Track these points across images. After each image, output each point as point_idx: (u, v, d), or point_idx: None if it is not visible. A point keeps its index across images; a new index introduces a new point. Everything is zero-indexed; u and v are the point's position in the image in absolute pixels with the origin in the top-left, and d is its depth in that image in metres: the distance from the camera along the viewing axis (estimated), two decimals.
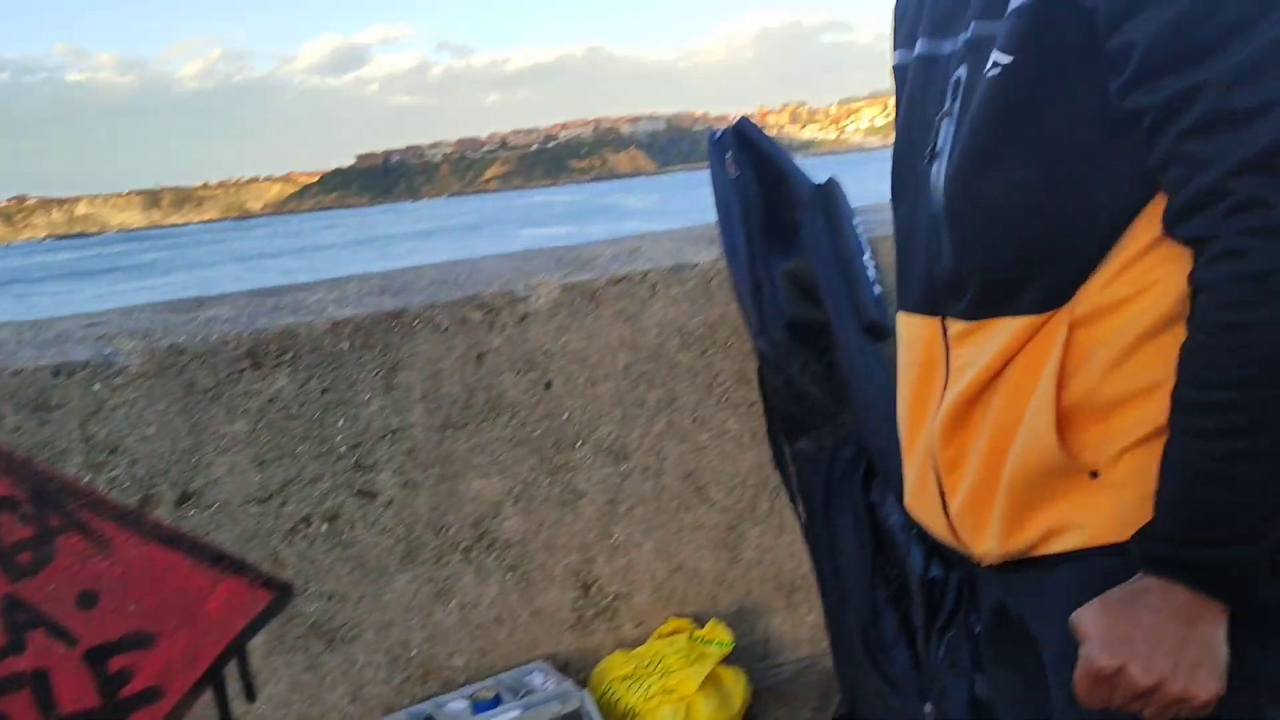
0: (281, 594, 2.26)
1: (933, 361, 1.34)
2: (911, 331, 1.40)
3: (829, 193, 2.79)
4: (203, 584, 2.18)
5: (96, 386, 2.13)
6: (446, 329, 2.46)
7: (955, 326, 1.30)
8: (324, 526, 2.33)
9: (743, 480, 2.78)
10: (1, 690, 1.99)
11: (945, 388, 1.31)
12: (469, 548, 2.48)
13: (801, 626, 2.85)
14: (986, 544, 1.28)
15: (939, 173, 1.27)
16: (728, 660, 2.57)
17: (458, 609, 2.47)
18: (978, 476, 1.27)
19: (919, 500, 1.40)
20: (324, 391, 2.33)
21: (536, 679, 2.44)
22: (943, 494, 1.33)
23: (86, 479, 2.10)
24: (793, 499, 2.71)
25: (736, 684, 2.54)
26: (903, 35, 1.44)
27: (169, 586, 2.15)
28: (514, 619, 2.53)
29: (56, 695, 2.04)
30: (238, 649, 2.22)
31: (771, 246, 2.76)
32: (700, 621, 2.66)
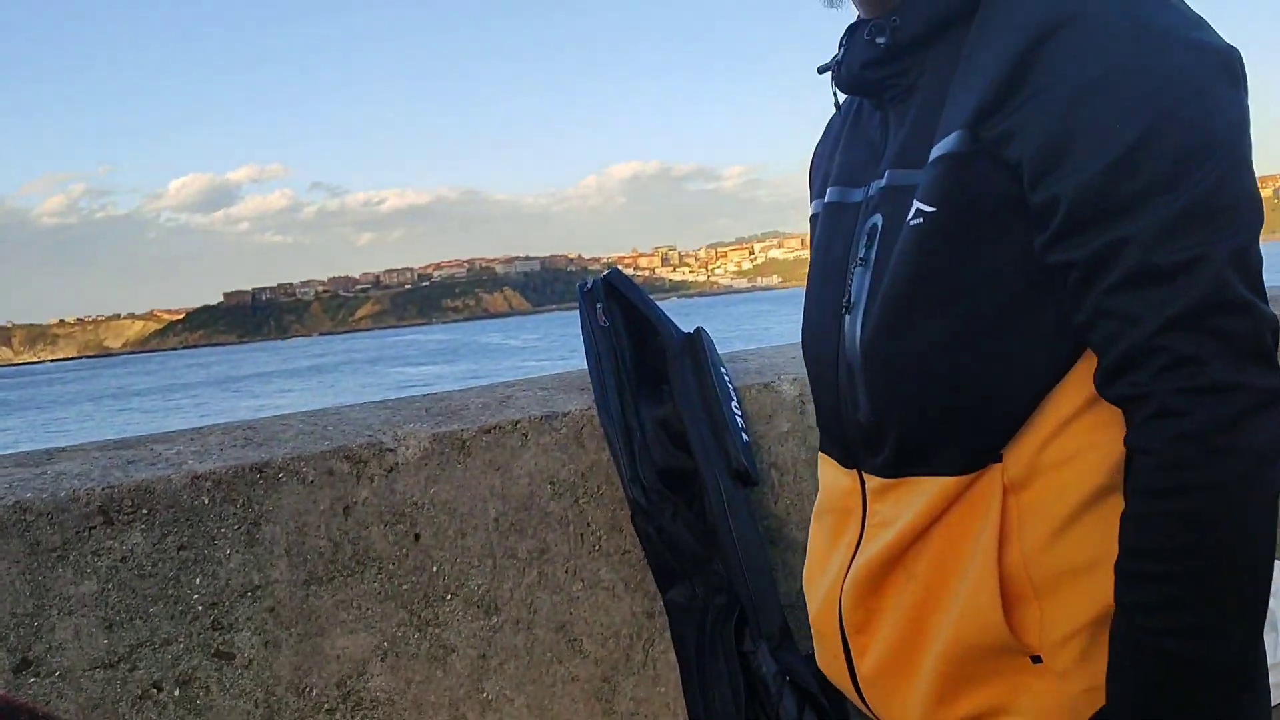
0: None
1: (847, 512, 1.28)
2: (829, 476, 1.34)
3: (696, 341, 2.87)
4: None
5: None
6: (313, 481, 2.41)
7: (873, 481, 1.24)
8: (176, 692, 2.21)
9: (616, 631, 2.76)
10: None
11: (859, 544, 1.25)
12: (332, 709, 2.38)
13: None
14: (905, 715, 1.19)
15: (854, 325, 1.22)
16: None
17: None
18: (895, 643, 1.18)
19: (822, 655, 1.34)
20: (180, 549, 2.25)
21: None
22: (848, 653, 1.26)
23: None
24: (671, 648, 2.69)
25: None
26: (816, 186, 1.43)
27: None
28: None
29: None
30: None
31: (642, 394, 2.81)
32: None
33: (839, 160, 1.36)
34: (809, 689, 2.40)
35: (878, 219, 1.21)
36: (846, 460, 1.28)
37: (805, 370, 3.02)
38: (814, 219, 1.41)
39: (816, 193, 1.42)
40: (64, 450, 2.45)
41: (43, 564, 2.12)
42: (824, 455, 1.37)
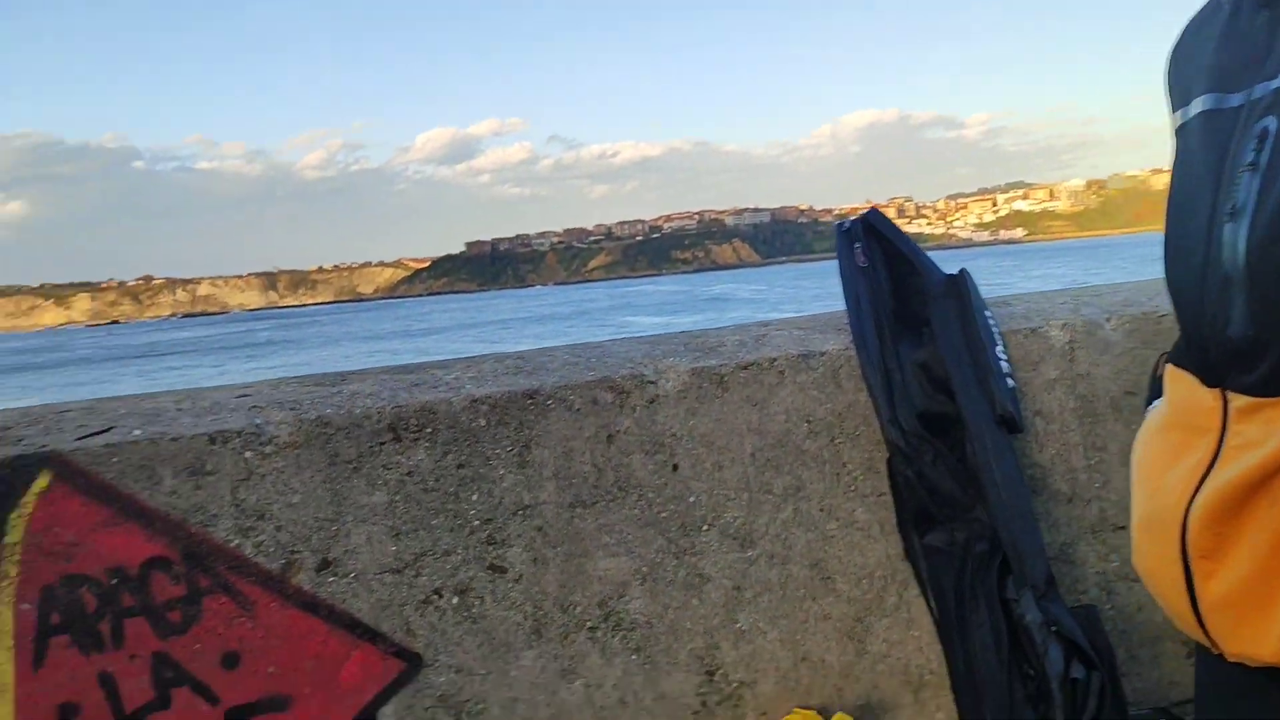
0: (412, 665, 2.29)
1: (1200, 431, 1.23)
2: (1181, 392, 1.29)
3: (960, 284, 2.78)
4: (338, 650, 2.22)
5: (248, 454, 2.22)
6: (579, 409, 2.50)
7: (1239, 400, 1.18)
8: (455, 599, 2.36)
9: (870, 572, 2.73)
10: None
11: (1213, 464, 1.20)
12: (595, 627, 2.48)
13: None
14: (1258, 645, 1.16)
15: (1238, 232, 1.17)
16: None
17: (582, 688, 2.46)
18: (1253, 572, 1.14)
19: (1155, 578, 1.29)
20: (460, 466, 2.38)
21: None
22: (1189, 577, 1.22)
23: (235, 543, 2.17)
24: (924, 593, 2.65)
25: None
26: (1179, 95, 1.38)
27: (307, 652, 2.19)
28: (638, 702, 2.51)
29: None
30: (368, 717, 2.24)
31: (901, 337, 2.76)
32: (825, 715, 2.60)
33: (1211, 64, 1.30)
34: (1076, 641, 2.31)
35: (1269, 122, 1.16)
36: (1208, 378, 1.23)
37: (1074, 316, 2.88)
38: (1181, 129, 1.35)
39: (1180, 101, 1.36)
40: (355, 373, 2.64)
41: (340, 474, 2.30)
42: (1177, 370, 1.32)
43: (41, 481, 2.01)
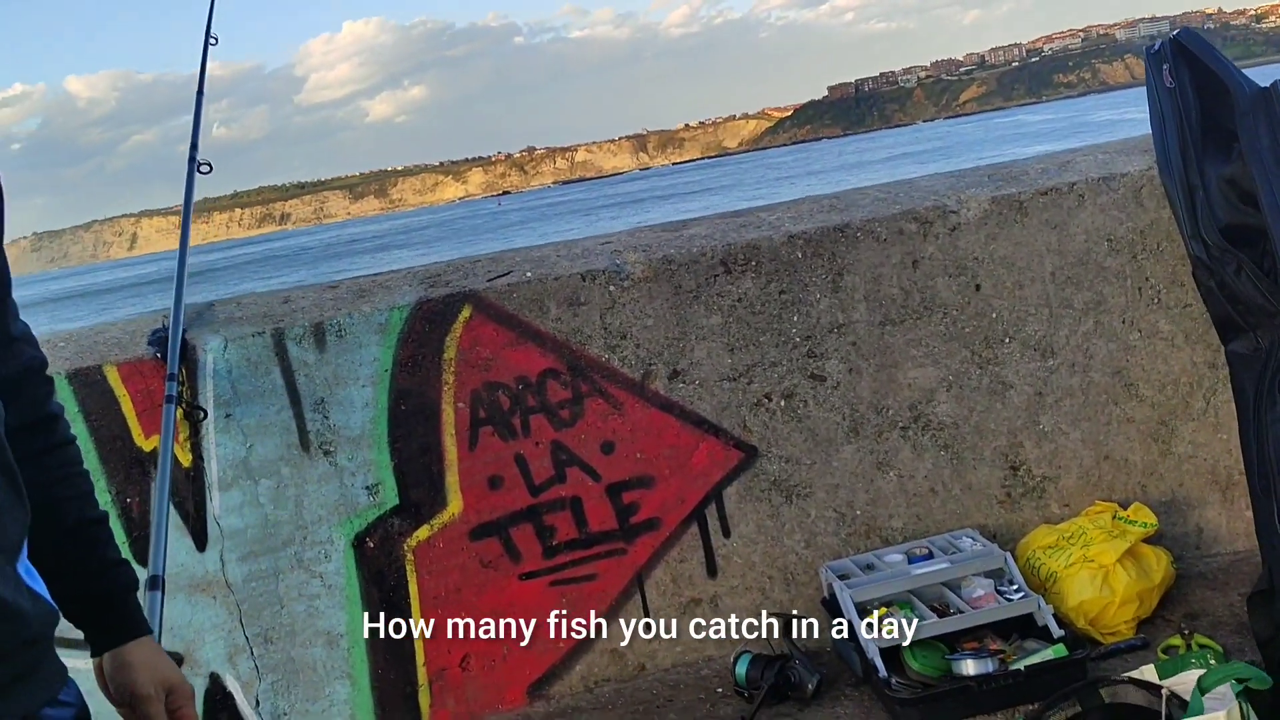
0: (749, 454, 2.80)
1: None
2: None
3: (1270, 96, 2.80)
4: (689, 442, 2.77)
5: (611, 288, 2.77)
6: (885, 239, 2.84)
7: None
8: (782, 402, 2.83)
9: (1175, 379, 2.91)
10: (551, 509, 2.71)
11: None
12: (906, 427, 2.87)
13: (1238, 521, 2.93)
14: None
15: None
16: (1152, 542, 2.75)
17: (896, 478, 2.88)
18: None
19: None
20: (781, 293, 2.82)
21: (965, 543, 2.78)
22: None
23: (605, 357, 2.75)
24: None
25: (1158, 561, 2.71)
26: None
27: (665, 442, 2.76)
28: (946, 491, 2.89)
29: (587, 516, 2.73)
30: (716, 495, 2.79)
31: (1207, 154, 2.83)
32: (1124, 508, 2.85)
33: None
34: None
35: None
36: None
37: None
38: None
39: None
40: (693, 220, 3.13)
41: (683, 302, 2.80)
42: None
43: (465, 313, 2.67)
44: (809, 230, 2.84)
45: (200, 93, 2.92)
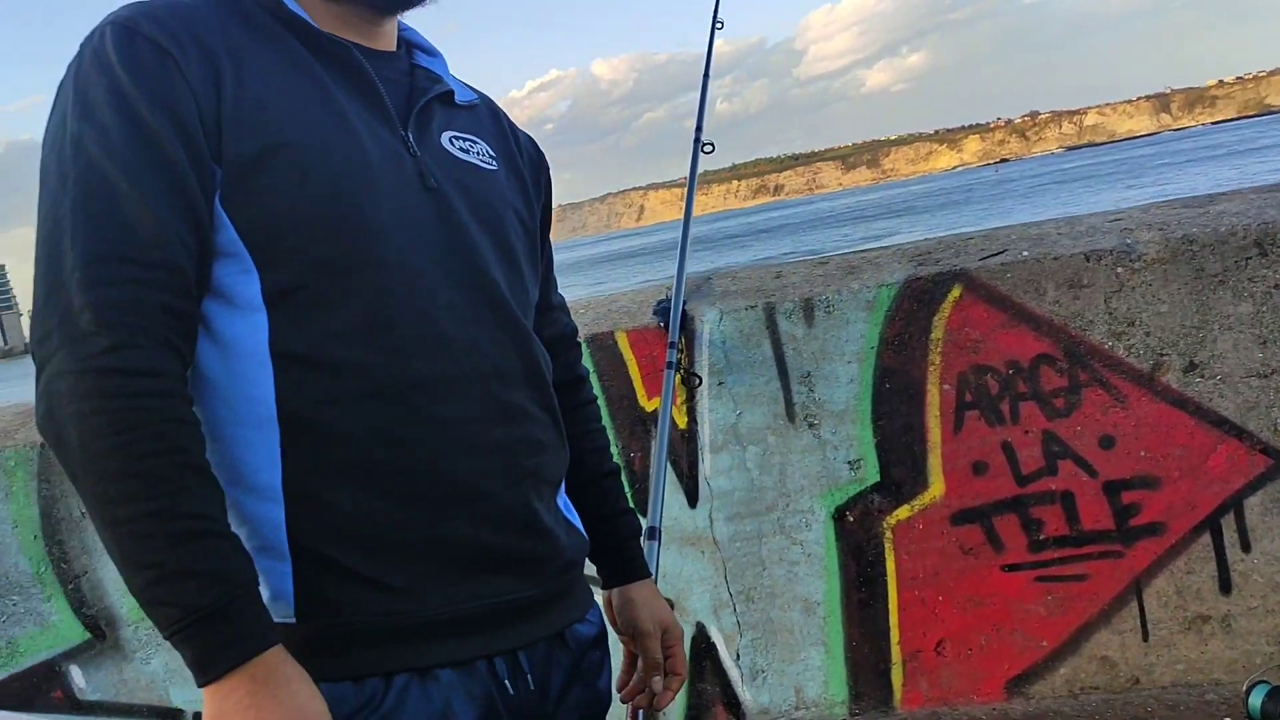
0: (1277, 462, 2.46)
1: None
2: None
3: None
4: (1204, 443, 2.49)
5: (1119, 270, 2.56)
6: None
7: None
8: None
9: None
10: (1039, 501, 2.57)
11: None
12: None
13: None
14: None
15: None
16: None
17: None
18: None
19: None
20: None
21: None
22: None
23: (1109, 345, 2.55)
24: None
25: None
26: None
27: (1175, 441, 2.51)
28: None
29: (1080, 513, 2.56)
30: (1235, 504, 2.49)
31: None
32: None
33: None
34: None
35: None
36: None
37: None
38: None
39: None
40: (1224, 194, 2.80)
41: (1206, 287, 2.52)
42: None
43: (955, 292, 2.59)
44: None
45: (706, 76, 3.08)
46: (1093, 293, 2.56)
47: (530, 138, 1.47)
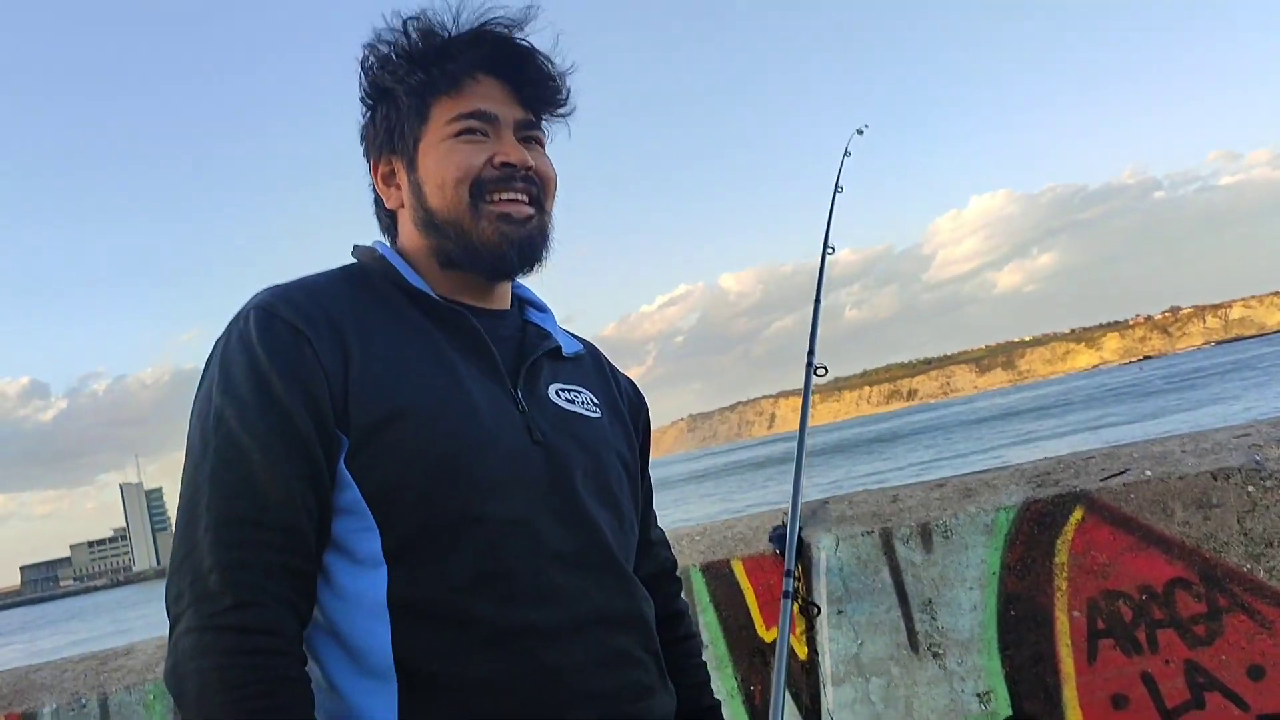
0: None
1: None
2: None
3: None
4: None
5: (1250, 489, 2.47)
6: None
7: None
8: None
9: None
10: None
11: None
12: None
13: None
14: None
15: None
16: None
17: None
18: None
19: None
20: None
21: None
22: None
23: (1247, 567, 2.44)
24: None
25: None
26: None
27: None
28: None
29: None
30: None
31: None
32: None
33: None
34: None
35: None
36: None
37: None
38: None
39: None
40: None
41: None
42: None
43: (1077, 514, 2.53)
44: None
45: (818, 301, 3.16)
46: (1224, 513, 2.47)
47: (630, 380, 1.55)
